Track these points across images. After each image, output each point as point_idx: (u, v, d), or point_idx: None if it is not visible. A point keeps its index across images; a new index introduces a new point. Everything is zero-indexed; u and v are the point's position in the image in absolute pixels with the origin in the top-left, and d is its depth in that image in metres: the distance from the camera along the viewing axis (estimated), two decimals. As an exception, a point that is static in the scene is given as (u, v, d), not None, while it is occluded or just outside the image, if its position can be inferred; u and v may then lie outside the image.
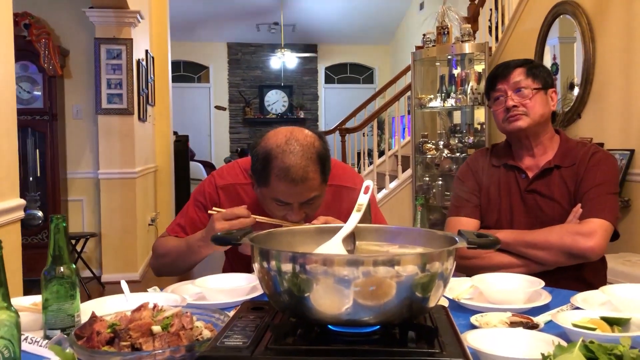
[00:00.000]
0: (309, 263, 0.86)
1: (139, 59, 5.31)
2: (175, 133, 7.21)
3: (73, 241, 4.81)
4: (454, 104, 5.03)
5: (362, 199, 1.13)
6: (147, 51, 5.84)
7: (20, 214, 2.43)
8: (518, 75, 1.78)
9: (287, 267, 0.88)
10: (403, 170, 5.92)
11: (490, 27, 5.39)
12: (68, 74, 5.06)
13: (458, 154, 5.02)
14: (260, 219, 1.54)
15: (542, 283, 1.42)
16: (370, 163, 6.71)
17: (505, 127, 1.81)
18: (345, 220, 1.10)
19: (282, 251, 0.90)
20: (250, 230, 1.06)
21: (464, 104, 4.97)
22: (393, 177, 5.99)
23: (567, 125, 3.89)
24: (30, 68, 4.67)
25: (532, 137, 1.80)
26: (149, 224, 5.85)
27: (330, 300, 0.87)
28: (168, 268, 1.76)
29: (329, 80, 11.69)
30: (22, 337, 1.07)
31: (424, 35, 5.19)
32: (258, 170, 1.52)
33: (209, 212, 1.59)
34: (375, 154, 6.72)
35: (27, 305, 1.26)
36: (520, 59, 1.85)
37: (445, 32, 5.02)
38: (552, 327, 1.16)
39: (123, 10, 4.91)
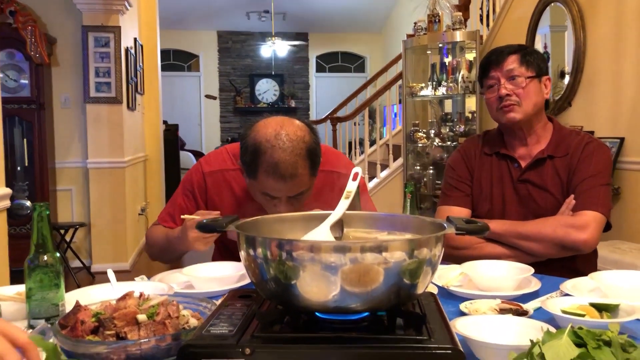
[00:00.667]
0: (295, 250, 0.85)
1: (127, 47, 5.26)
2: (165, 122, 7.16)
3: (62, 231, 4.78)
4: (445, 93, 5.02)
5: (351, 186, 1.12)
6: (135, 39, 5.77)
7: (6, 203, 2.40)
8: (512, 63, 1.74)
9: (273, 254, 0.86)
10: (394, 159, 5.91)
11: (481, 16, 5.38)
12: (55, 62, 5.00)
13: (449, 143, 5.02)
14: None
15: (532, 270, 1.42)
16: (362, 152, 6.70)
17: (498, 117, 1.78)
18: (335, 205, 1.09)
19: (268, 238, 0.89)
20: (236, 217, 1.04)
21: (455, 93, 4.96)
22: (384, 166, 5.99)
23: (558, 113, 3.89)
24: (16, 56, 4.60)
25: (526, 127, 1.77)
26: (139, 214, 5.82)
27: (317, 288, 0.85)
28: (158, 257, 1.78)
29: (320, 69, 11.64)
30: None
31: (415, 23, 5.16)
32: (247, 162, 1.50)
33: (182, 216, 1.57)
34: (367, 143, 6.70)
35: (11, 294, 1.25)
36: (514, 45, 1.80)
37: (437, 20, 5.00)
38: (541, 314, 1.16)
39: (111, -3, 4.85)
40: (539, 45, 4.28)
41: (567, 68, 3.91)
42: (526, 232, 1.67)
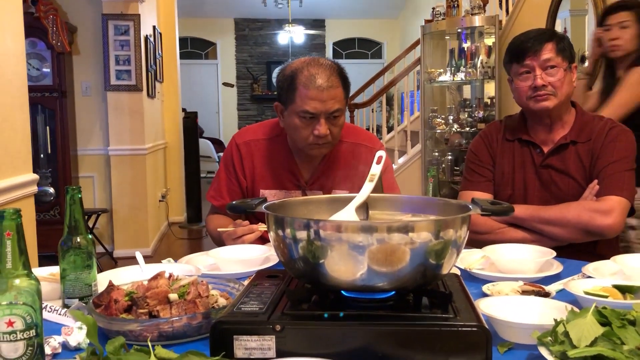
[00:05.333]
0: (323, 230, 0.87)
1: (146, 35, 5.29)
2: (184, 110, 7.21)
3: (85, 217, 4.84)
4: (463, 78, 4.99)
5: (375, 169, 1.13)
6: (154, 27, 5.81)
7: (34, 188, 2.45)
8: (549, 52, 1.69)
9: (301, 234, 0.89)
10: (412, 146, 5.90)
11: (500, 0, 5.32)
12: (76, 50, 5.05)
13: (468, 129, 5.00)
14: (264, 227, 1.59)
15: (554, 253, 1.43)
16: (379, 139, 6.69)
17: (529, 105, 1.74)
18: (363, 178, 1.10)
19: (297, 218, 0.91)
20: (264, 199, 1.06)
21: (473, 78, 4.93)
22: (402, 153, 5.98)
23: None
24: (38, 45, 4.65)
25: (554, 115, 1.75)
26: (160, 200, 5.89)
27: (345, 267, 0.87)
28: (218, 244, 1.87)
29: (337, 55, 11.60)
30: (42, 306, 1.09)
31: (434, 8, 5.13)
32: (284, 90, 1.63)
33: (218, 230, 1.68)
34: (384, 129, 6.70)
35: (45, 275, 1.28)
36: (546, 31, 1.76)
37: (455, 5, 4.96)
38: (563, 296, 1.17)
39: (130, -15, 4.88)
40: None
41: (587, 53, 3.87)
42: (550, 217, 1.67)
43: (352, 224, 0.89)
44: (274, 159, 1.77)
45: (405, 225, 0.87)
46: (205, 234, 5.99)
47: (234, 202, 1.06)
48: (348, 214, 1.05)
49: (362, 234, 0.85)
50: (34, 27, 4.47)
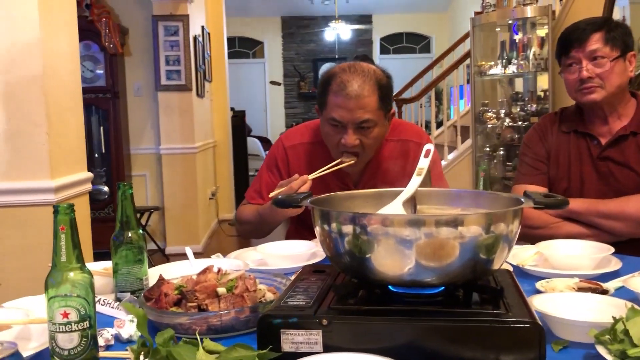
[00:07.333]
0: (369, 224, 0.85)
1: (195, 35, 5.38)
2: (232, 109, 7.30)
3: (138, 214, 4.97)
4: (515, 71, 4.86)
5: (423, 163, 1.11)
6: (203, 27, 5.90)
7: (89, 186, 2.53)
8: (595, 42, 1.64)
9: (347, 228, 0.88)
10: (462, 141, 5.80)
11: (553, -11, 5.16)
12: (128, 52, 5.19)
13: (520, 123, 4.87)
14: (314, 175, 1.56)
15: (612, 249, 1.37)
16: (428, 134, 6.60)
17: (577, 97, 1.70)
18: (410, 175, 1.08)
19: (343, 212, 0.90)
20: (310, 194, 1.06)
21: (526, 71, 4.79)
22: (452, 148, 5.89)
23: (637, 89, 3.70)
24: (92, 47, 4.80)
25: (607, 106, 1.69)
26: (210, 198, 5.98)
27: (392, 261, 0.86)
28: (250, 234, 1.87)
29: (384, 50, 11.52)
30: (96, 299, 1.12)
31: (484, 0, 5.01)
32: (319, 94, 1.61)
33: (270, 195, 1.63)
34: (433, 124, 6.60)
35: (99, 270, 1.32)
36: (597, 20, 1.69)
37: (506, -4, 4.84)
38: (622, 293, 1.12)
39: (179, -14, 4.97)
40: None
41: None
42: (608, 210, 1.61)
43: (398, 217, 0.87)
44: (322, 163, 1.70)
45: (455, 219, 0.85)
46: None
47: (279, 197, 1.06)
48: (395, 209, 1.03)
49: (409, 228, 0.83)
50: (87, 30, 4.61)
